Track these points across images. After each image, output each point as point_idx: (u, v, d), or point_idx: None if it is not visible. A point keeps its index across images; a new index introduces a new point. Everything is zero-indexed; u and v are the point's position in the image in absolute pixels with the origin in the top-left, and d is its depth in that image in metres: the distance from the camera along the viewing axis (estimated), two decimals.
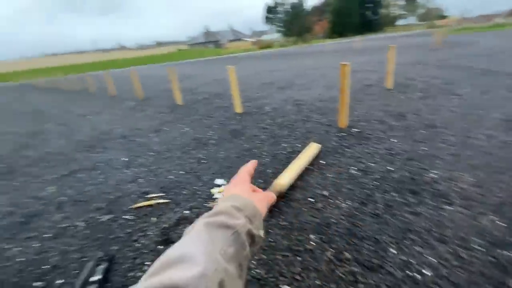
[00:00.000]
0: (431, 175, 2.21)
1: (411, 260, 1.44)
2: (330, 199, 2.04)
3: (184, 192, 2.37)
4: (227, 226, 0.34)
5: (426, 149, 2.67)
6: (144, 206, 2.21)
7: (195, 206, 2.14)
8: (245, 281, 0.34)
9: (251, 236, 0.36)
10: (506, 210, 1.73)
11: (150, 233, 1.88)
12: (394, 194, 2.02)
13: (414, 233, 1.62)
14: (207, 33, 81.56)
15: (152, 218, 2.04)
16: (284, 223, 1.83)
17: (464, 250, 1.46)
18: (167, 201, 2.25)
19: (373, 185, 2.15)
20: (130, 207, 2.23)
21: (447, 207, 1.82)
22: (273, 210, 1.96)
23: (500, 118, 3.25)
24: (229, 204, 0.37)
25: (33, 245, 1.91)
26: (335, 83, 6.39)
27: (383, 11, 67.97)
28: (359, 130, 3.33)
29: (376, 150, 2.76)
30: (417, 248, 1.51)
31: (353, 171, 2.40)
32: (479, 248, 1.47)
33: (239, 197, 0.40)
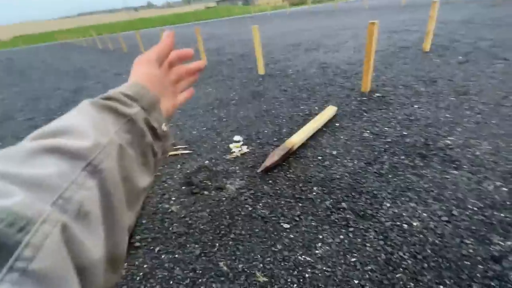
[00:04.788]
0: (447, 141, 2.19)
1: (403, 213, 1.57)
2: (338, 158, 2.16)
3: (205, 145, 2.63)
4: (117, 113, 0.28)
5: (449, 116, 2.58)
6: (171, 155, 2.52)
7: (214, 157, 2.40)
8: (154, 178, 0.32)
9: (152, 128, 0.31)
10: None
11: (175, 176, 2.20)
12: (402, 157, 2.08)
13: (413, 192, 1.72)
14: None
15: (177, 165, 2.36)
16: (292, 176, 2.02)
17: (458, 208, 1.55)
18: (190, 152, 2.54)
19: (383, 148, 2.22)
20: None
21: (453, 171, 1.85)
22: (283, 165, 2.15)
23: None
24: (119, 90, 0.31)
25: None
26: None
27: None
28: (381, 95, 3.24)
29: (394, 115, 2.73)
30: (412, 204, 1.63)
31: (366, 134, 2.45)
32: (473, 208, 1.54)
33: (136, 85, 0.33)
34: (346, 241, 1.45)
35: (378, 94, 3.27)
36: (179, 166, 2.34)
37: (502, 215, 1.48)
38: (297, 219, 1.63)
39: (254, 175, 2.08)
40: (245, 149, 2.45)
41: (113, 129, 0.27)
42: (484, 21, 7.07)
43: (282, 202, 1.78)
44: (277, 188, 1.90)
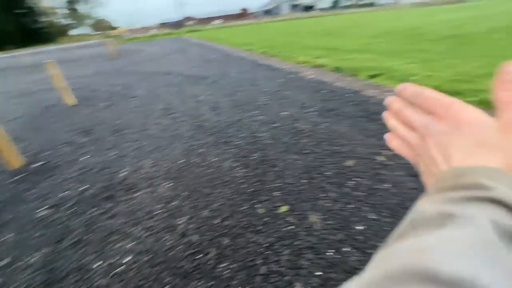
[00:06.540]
0: (122, 174, 2.48)
1: (111, 261, 1.56)
2: (13, 265, 1.60)
3: None
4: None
5: (116, 152, 2.92)
6: None
7: None
8: None
9: None
10: (172, 173, 2.41)
11: None
12: (93, 210, 2.02)
13: (116, 234, 1.76)
14: None
15: None
16: None
17: (150, 220, 1.85)
18: None
19: (69, 214, 1.99)
20: None
21: (137, 194, 2.16)
22: None
23: (163, 108, 4.33)
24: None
25: None
26: (7, 113, 4.81)
27: (46, 19, 60.10)
28: (43, 162, 2.85)
29: (68, 175, 2.54)
30: (119, 244, 1.67)
31: (42, 213, 2.05)
32: (159, 212, 1.93)
33: None
34: None
35: (38, 164, 2.83)
36: None
37: (175, 203, 1.99)
38: None
39: None
40: None
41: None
42: (110, 72, 8.71)
43: None
44: None
